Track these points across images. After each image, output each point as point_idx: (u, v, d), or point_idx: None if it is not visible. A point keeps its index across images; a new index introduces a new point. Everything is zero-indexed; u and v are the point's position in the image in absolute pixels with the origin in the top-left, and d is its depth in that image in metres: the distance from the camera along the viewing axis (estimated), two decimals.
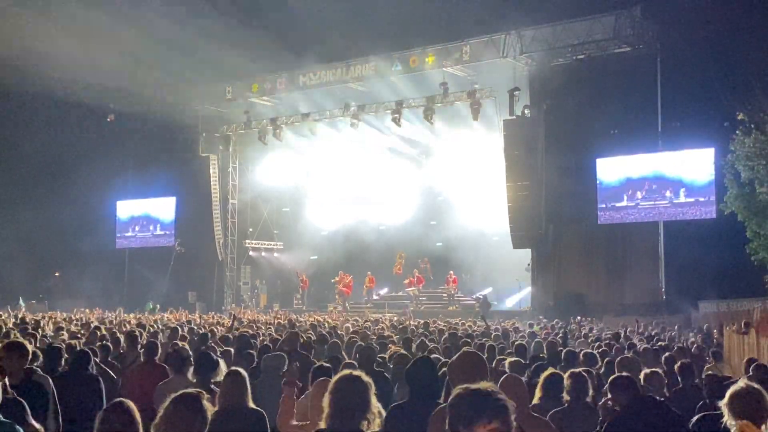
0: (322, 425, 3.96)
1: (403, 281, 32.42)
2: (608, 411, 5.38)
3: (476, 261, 31.29)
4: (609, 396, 5.40)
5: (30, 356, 6.16)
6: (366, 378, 4.02)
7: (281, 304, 33.83)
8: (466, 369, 4.26)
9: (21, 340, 6.58)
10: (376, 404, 3.97)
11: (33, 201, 34.81)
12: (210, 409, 3.68)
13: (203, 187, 35.81)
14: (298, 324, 17.62)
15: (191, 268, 35.32)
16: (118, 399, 4.14)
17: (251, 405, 5.38)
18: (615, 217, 26.71)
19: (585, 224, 26.79)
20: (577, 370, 6.18)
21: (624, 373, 5.69)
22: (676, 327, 18.32)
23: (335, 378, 4.07)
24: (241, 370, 5.61)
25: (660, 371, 6.69)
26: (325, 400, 3.97)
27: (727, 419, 3.96)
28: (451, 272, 30.69)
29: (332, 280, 33.31)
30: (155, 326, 15.49)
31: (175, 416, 3.56)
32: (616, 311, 24.32)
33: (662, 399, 5.69)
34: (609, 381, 5.36)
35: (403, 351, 8.78)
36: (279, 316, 24.20)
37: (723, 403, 4.02)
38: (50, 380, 6.19)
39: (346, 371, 4.13)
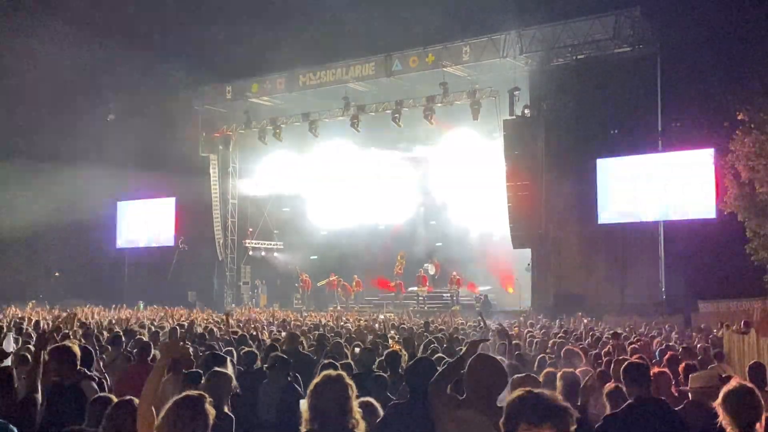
0: (303, 430, 3.86)
1: (390, 283, 32.39)
2: (618, 401, 5.27)
3: (476, 261, 31.27)
4: (622, 383, 5.29)
5: (79, 359, 6.13)
6: (347, 380, 3.92)
7: (281, 304, 33.81)
8: (484, 374, 4.28)
9: (68, 343, 6.54)
10: (357, 408, 3.87)
11: (33, 201, 34.79)
12: (212, 412, 3.66)
13: (203, 187, 35.80)
14: (296, 323, 17.60)
15: (191, 268, 35.30)
16: (127, 397, 4.16)
17: (225, 409, 5.29)
18: (615, 217, 26.69)
19: (585, 224, 26.76)
20: (569, 369, 6.15)
21: (638, 361, 5.62)
22: (667, 326, 18.22)
23: (315, 380, 3.95)
24: (225, 371, 5.57)
25: (668, 371, 6.64)
26: (305, 404, 3.88)
27: (722, 419, 3.96)
28: (454, 273, 30.66)
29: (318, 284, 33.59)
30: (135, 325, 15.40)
31: (177, 418, 3.56)
32: (616, 311, 24.31)
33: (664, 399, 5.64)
34: (622, 369, 5.24)
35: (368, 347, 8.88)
36: (278, 315, 24.15)
37: (717, 403, 4.02)
38: (97, 389, 6.14)
39: (327, 372, 4.03)
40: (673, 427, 4.85)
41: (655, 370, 6.33)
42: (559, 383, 5.77)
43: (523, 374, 6.14)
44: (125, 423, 3.86)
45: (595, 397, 5.77)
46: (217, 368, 5.65)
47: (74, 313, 15.83)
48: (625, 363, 5.40)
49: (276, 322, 18.59)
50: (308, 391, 3.91)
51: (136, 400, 3.98)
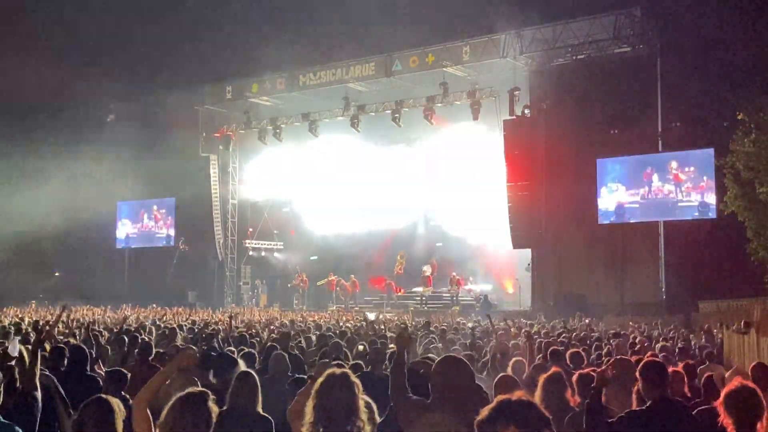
0: None
1: (387, 282, 32.39)
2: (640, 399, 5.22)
3: (476, 261, 31.30)
4: (639, 382, 5.24)
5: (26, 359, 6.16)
6: (353, 378, 3.74)
7: (281, 304, 33.82)
8: (447, 375, 4.27)
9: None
10: (364, 409, 3.68)
11: (32, 201, 34.79)
12: (215, 409, 3.66)
13: (203, 187, 35.81)
14: (299, 323, 17.60)
15: (191, 268, 35.32)
16: (99, 395, 4.12)
17: (260, 410, 5.26)
18: (615, 217, 26.70)
19: (585, 224, 26.76)
20: (585, 371, 6.10)
21: (657, 360, 5.56)
22: (669, 327, 18.22)
23: (319, 380, 3.76)
24: (252, 372, 5.53)
25: (681, 370, 6.58)
26: (308, 406, 3.67)
27: (723, 418, 3.97)
28: (454, 273, 30.66)
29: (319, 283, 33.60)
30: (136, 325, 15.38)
31: (180, 415, 3.57)
32: (616, 311, 24.32)
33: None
34: (640, 368, 5.17)
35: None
36: (279, 315, 24.14)
37: (718, 402, 4.03)
38: (54, 379, 6.19)
39: (331, 371, 3.83)
40: (693, 430, 4.81)
41: (670, 369, 6.27)
42: (576, 386, 5.76)
43: (503, 374, 6.13)
44: (97, 421, 3.85)
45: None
46: (244, 370, 5.61)
47: (67, 310, 15.80)
48: (643, 362, 5.34)
49: (277, 323, 18.57)
50: (312, 391, 3.73)
51: (112, 399, 3.97)
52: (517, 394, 2.62)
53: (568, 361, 8.02)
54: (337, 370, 3.84)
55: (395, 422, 4.53)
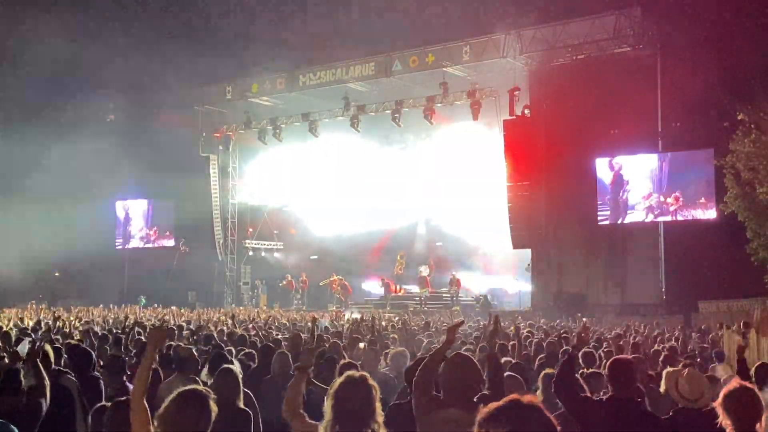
0: None
1: (385, 281, 32.36)
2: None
3: (476, 260, 31.30)
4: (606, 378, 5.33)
5: (53, 360, 6.23)
6: (371, 381, 3.79)
7: (281, 304, 33.84)
8: (456, 372, 4.28)
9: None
10: (380, 412, 3.73)
11: (32, 201, 34.83)
12: (215, 408, 3.66)
13: (203, 187, 35.81)
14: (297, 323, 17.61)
15: (191, 268, 35.30)
16: (124, 397, 4.14)
17: (240, 404, 5.37)
18: (615, 217, 26.70)
19: (585, 224, 26.77)
20: (597, 370, 6.11)
21: (626, 359, 5.62)
22: (672, 327, 18.23)
23: (338, 381, 3.81)
24: (233, 367, 5.64)
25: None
26: (326, 406, 3.72)
27: (722, 419, 3.97)
28: (454, 273, 30.67)
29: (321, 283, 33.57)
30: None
31: (180, 412, 3.57)
32: (616, 311, 24.33)
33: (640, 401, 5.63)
34: (608, 365, 5.26)
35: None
36: (279, 315, 24.13)
37: (717, 403, 4.03)
38: (77, 382, 6.20)
39: (350, 373, 3.88)
40: (638, 430, 4.86)
41: (670, 369, 6.26)
42: (586, 385, 5.77)
43: (506, 374, 6.13)
44: (125, 423, 3.86)
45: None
46: (225, 365, 5.69)
47: (58, 315, 15.91)
48: (611, 360, 5.41)
49: (277, 323, 18.58)
50: (329, 393, 3.77)
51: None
52: (528, 398, 2.54)
53: (580, 361, 8.05)
54: (356, 373, 3.87)
55: (394, 422, 4.54)
